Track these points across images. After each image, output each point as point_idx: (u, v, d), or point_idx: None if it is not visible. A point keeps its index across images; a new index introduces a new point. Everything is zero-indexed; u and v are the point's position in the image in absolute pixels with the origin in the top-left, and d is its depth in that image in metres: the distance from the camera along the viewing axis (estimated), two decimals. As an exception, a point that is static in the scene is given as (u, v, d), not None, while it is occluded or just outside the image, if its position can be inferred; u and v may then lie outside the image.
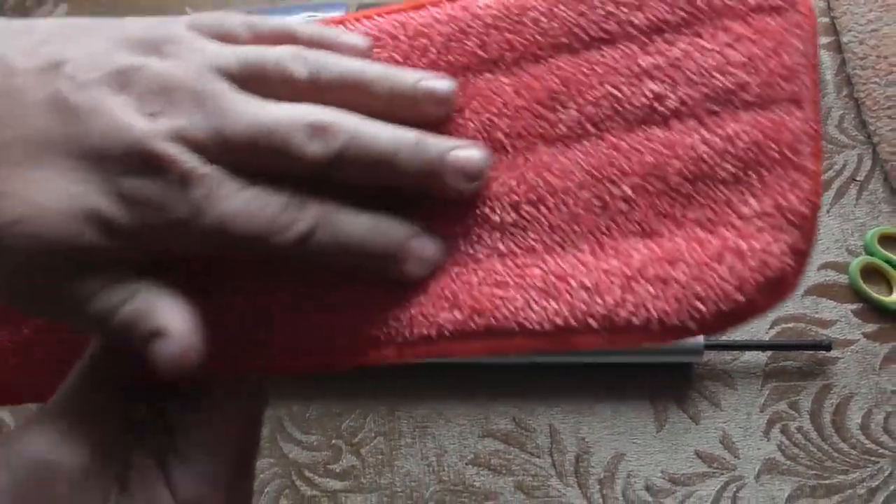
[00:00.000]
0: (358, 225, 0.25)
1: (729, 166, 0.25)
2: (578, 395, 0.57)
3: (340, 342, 0.27)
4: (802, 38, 0.25)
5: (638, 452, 0.56)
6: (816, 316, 0.58)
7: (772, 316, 0.58)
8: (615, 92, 0.27)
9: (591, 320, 0.25)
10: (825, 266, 0.59)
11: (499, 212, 0.27)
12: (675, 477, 0.56)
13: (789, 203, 0.24)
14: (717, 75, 0.25)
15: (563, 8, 0.27)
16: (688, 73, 0.26)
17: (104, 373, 0.25)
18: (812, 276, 0.59)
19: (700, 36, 0.26)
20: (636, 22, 0.27)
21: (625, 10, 0.27)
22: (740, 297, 0.24)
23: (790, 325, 0.58)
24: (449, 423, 0.57)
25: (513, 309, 0.26)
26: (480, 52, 0.28)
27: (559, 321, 0.25)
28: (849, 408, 0.57)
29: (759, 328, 0.58)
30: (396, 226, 0.26)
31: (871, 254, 0.59)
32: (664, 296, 0.24)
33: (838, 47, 0.62)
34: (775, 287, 0.24)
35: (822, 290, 0.58)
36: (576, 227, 0.26)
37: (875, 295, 0.58)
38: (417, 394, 0.57)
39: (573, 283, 0.25)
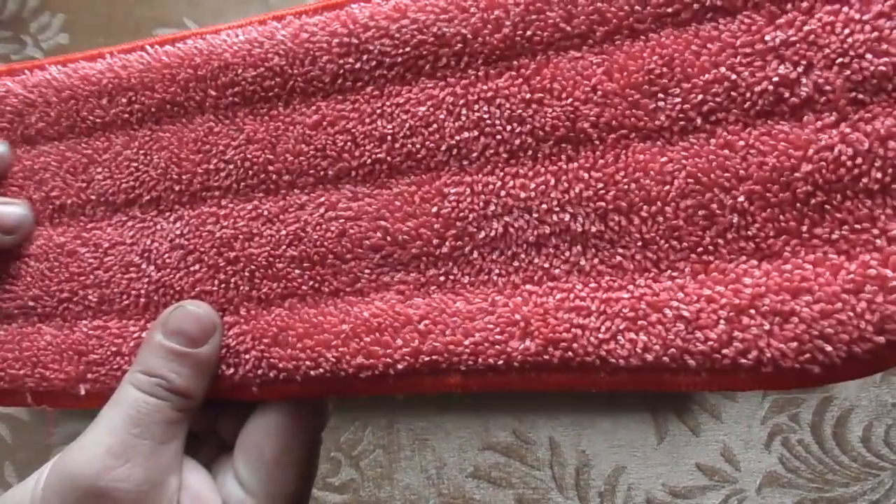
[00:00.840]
0: None
1: (877, 173, 0.20)
2: (579, 407, 0.57)
3: (397, 365, 0.24)
4: None
5: (638, 465, 0.56)
6: (817, 328, 0.58)
7: (772, 328, 0.58)
8: (732, 75, 0.21)
9: (688, 358, 0.21)
10: None
11: (581, 220, 0.23)
12: (676, 490, 0.55)
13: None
14: (868, 56, 0.20)
15: None
16: (827, 51, 0.20)
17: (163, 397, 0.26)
18: (812, 287, 0.58)
19: (848, 3, 0.20)
20: None
21: None
22: (880, 339, 0.19)
23: (791, 336, 0.58)
24: (449, 436, 0.56)
25: (595, 341, 0.22)
26: (564, 25, 0.23)
27: (650, 357, 0.21)
28: (849, 420, 0.57)
29: (759, 340, 0.58)
30: None
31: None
32: (782, 333, 0.20)
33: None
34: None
35: (822, 302, 0.58)
36: (675, 244, 0.22)
37: (876, 307, 0.58)
38: (417, 406, 0.57)
39: (669, 312, 0.21)
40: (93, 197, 0.30)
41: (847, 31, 0.20)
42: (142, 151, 0.29)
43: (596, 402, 0.57)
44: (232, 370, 0.27)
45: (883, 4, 0.20)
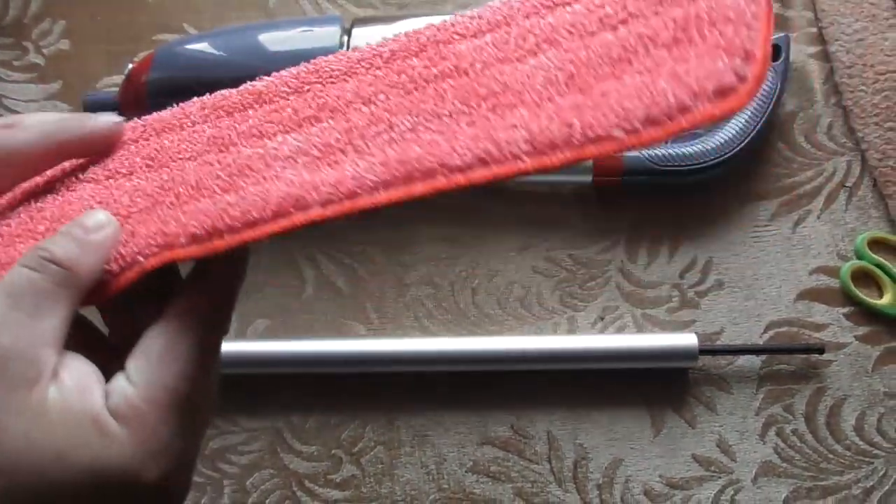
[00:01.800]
0: None
1: (666, 34, 0.27)
2: (576, 402, 0.57)
3: (265, 211, 0.29)
4: None
5: (636, 458, 0.57)
6: (809, 320, 0.59)
7: (765, 320, 0.59)
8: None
9: (521, 146, 0.27)
10: (817, 270, 0.60)
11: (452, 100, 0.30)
12: (674, 481, 0.56)
13: (733, 39, 0.25)
14: None
15: None
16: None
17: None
18: (804, 280, 0.59)
19: None
20: None
21: None
22: (673, 100, 0.24)
23: (783, 329, 0.59)
24: (448, 432, 0.57)
25: (438, 153, 0.28)
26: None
27: (482, 155, 0.27)
28: (843, 410, 0.57)
29: (752, 333, 0.58)
30: None
31: (861, 258, 0.59)
32: (592, 113, 0.26)
33: (826, 57, 0.63)
34: (718, 95, 0.24)
35: (814, 295, 0.59)
36: (513, 98, 0.29)
37: (866, 299, 0.59)
38: (416, 403, 0.57)
39: (503, 132, 0.27)
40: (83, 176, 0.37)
41: None
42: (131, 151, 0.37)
43: (592, 397, 0.57)
44: (123, 249, 0.31)
45: None
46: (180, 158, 0.35)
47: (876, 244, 0.60)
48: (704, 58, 0.26)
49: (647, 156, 0.58)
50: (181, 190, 0.33)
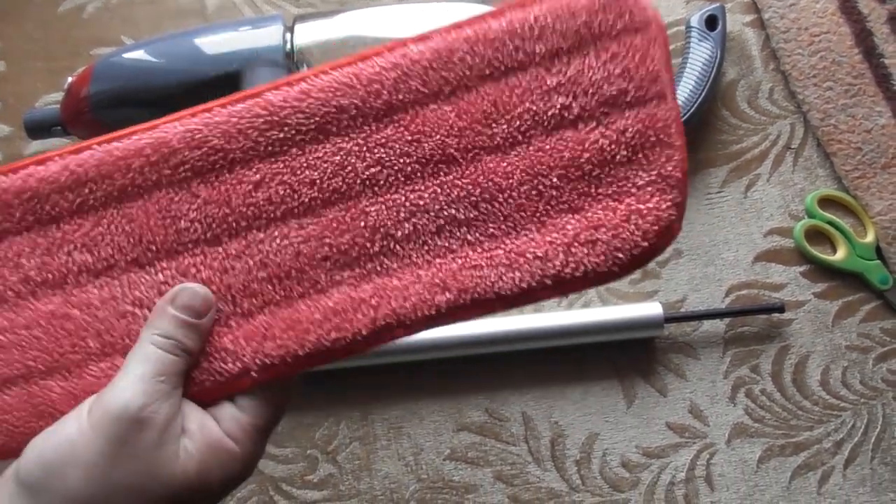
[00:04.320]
0: None
1: (624, 152, 0.33)
2: (547, 380, 0.58)
3: (361, 331, 0.34)
4: (660, 47, 0.33)
5: (611, 430, 0.57)
6: (767, 281, 0.60)
7: (725, 285, 0.60)
8: (532, 107, 0.34)
9: (546, 280, 0.33)
10: (771, 232, 0.61)
11: (461, 211, 0.34)
12: (650, 450, 0.57)
13: (668, 172, 0.32)
14: (605, 85, 0.33)
15: (481, 47, 0.34)
16: (583, 86, 0.33)
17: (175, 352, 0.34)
18: (759, 242, 0.60)
19: (587, 56, 0.34)
20: (538, 51, 0.34)
21: (529, 43, 0.34)
22: (645, 244, 0.32)
23: (743, 291, 0.60)
24: (423, 421, 0.57)
25: (489, 283, 0.33)
26: (423, 89, 0.34)
27: (524, 285, 0.33)
28: (807, 366, 0.59)
29: (714, 298, 0.59)
30: None
31: (812, 217, 0.61)
32: (594, 252, 0.33)
33: (761, 24, 0.65)
34: (666, 232, 0.32)
35: (770, 256, 0.60)
36: (523, 214, 0.34)
37: (821, 255, 0.60)
38: (389, 395, 0.57)
39: (529, 255, 0.33)
40: (73, 268, 0.36)
41: (590, 72, 0.33)
42: (112, 226, 0.36)
43: (563, 374, 0.58)
44: (231, 365, 0.34)
45: (606, 54, 0.33)
46: (188, 242, 0.36)
47: (825, 202, 0.61)
48: (653, 191, 0.33)
49: (596, 131, 0.58)
50: (238, 287, 0.35)
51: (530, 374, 0.58)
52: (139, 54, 0.56)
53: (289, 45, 0.54)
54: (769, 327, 0.59)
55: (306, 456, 0.56)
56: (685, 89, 0.60)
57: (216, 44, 0.55)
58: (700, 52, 0.61)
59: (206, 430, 0.33)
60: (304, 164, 0.35)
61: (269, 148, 0.35)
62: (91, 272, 0.36)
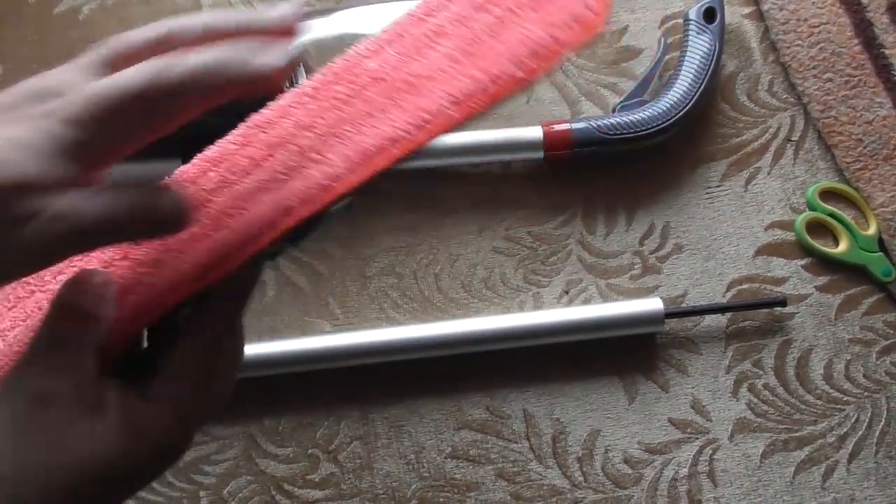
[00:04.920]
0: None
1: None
2: (548, 377, 0.57)
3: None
4: None
5: (613, 427, 0.57)
6: (769, 275, 0.59)
7: (726, 279, 0.59)
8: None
9: (441, 109, 0.34)
10: (772, 226, 0.60)
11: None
12: (652, 446, 0.56)
13: None
14: None
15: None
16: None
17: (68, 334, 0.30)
18: (760, 236, 0.60)
19: None
20: None
21: None
22: (548, 37, 0.34)
23: (745, 286, 0.59)
24: (423, 420, 0.56)
25: (383, 134, 0.35)
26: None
27: (418, 121, 0.35)
28: (810, 360, 0.58)
29: (715, 292, 0.59)
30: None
31: (813, 209, 0.60)
32: (491, 63, 0.34)
33: (760, 16, 0.64)
34: (582, 22, 0.34)
35: (771, 250, 0.60)
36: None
37: (822, 248, 0.59)
38: (389, 394, 0.57)
39: (429, 102, 0.35)
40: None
41: None
42: None
43: (564, 371, 0.57)
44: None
45: None
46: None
47: (826, 194, 0.61)
48: (563, 3, 0.35)
49: (595, 126, 0.58)
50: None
51: (531, 372, 0.57)
52: (135, 55, 0.56)
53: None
54: (771, 321, 0.59)
55: (307, 455, 0.56)
56: (684, 83, 0.60)
57: (211, 43, 0.55)
58: (698, 45, 0.60)
59: (126, 408, 0.31)
60: (266, 139, 0.37)
61: (246, 141, 0.38)
62: None
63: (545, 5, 0.36)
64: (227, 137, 0.40)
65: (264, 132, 0.39)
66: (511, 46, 0.35)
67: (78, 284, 0.31)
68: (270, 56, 0.33)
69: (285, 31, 0.35)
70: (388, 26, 0.41)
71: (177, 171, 0.39)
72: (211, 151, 0.40)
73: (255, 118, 0.40)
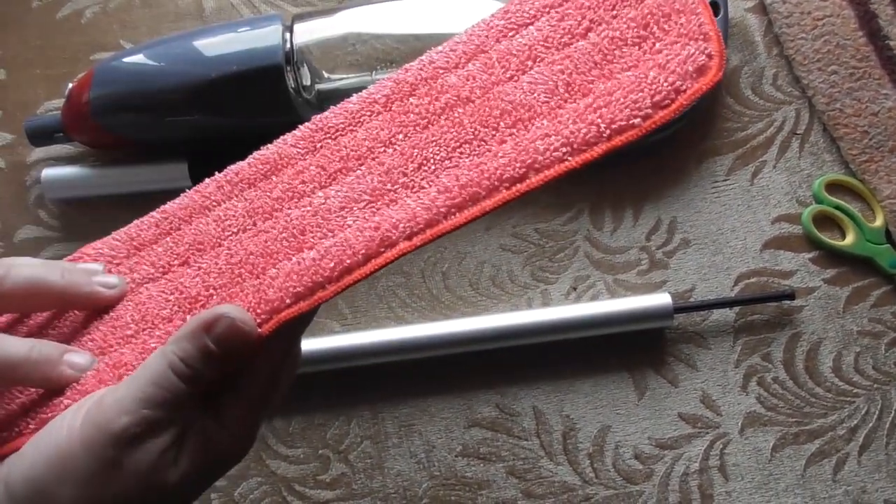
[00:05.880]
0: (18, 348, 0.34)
1: (633, 33, 0.34)
2: (558, 374, 0.57)
3: (356, 256, 0.34)
4: None
5: (623, 423, 0.57)
6: (777, 268, 0.59)
7: (734, 273, 0.59)
8: (543, 36, 0.36)
9: (552, 153, 0.33)
10: (779, 219, 0.60)
11: (472, 131, 0.35)
12: (663, 441, 0.56)
13: (690, 27, 0.33)
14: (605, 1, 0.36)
15: (489, 21, 0.39)
16: (584, 8, 0.36)
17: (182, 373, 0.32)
18: (767, 230, 0.60)
19: None
20: (538, 5, 0.38)
21: (529, 4, 0.38)
22: (670, 87, 0.33)
23: (753, 279, 0.59)
24: (434, 418, 0.56)
25: (493, 172, 0.34)
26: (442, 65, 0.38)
27: (529, 161, 0.33)
28: (819, 353, 0.58)
29: (723, 286, 0.59)
30: (50, 346, 0.35)
31: (820, 202, 0.60)
32: (609, 111, 0.33)
33: (763, 9, 0.64)
34: (700, 72, 0.33)
35: (778, 243, 0.60)
36: (529, 113, 0.35)
37: (830, 241, 0.59)
38: (399, 393, 0.57)
39: (536, 139, 0.34)
40: (138, 277, 0.39)
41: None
42: (173, 243, 0.39)
43: (573, 367, 0.57)
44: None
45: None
46: (229, 235, 0.38)
47: (833, 187, 0.61)
48: (674, 46, 0.33)
49: (600, 122, 0.58)
50: (253, 260, 0.36)
51: (540, 369, 0.57)
52: (139, 58, 0.56)
53: (288, 45, 0.54)
54: (779, 315, 0.59)
55: (318, 456, 0.56)
56: (688, 77, 0.59)
57: (215, 45, 0.55)
58: (702, 40, 0.60)
59: (204, 435, 0.32)
60: (338, 146, 0.38)
61: (312, 147, 0.39)
62: (151, 281, 0.39)
63: (652, 42, 0.34)
64: (286, 138, 0.40)
65: (332, 138, 0.39)
66: (627, 89, 0.33)
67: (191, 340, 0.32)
68: (78, 359, 0.36)
69: (104, 300, 0.37)
70: (461, 36, 0.38)
71: (231, 168, 0.40)
72: (268, 151, 0.40)
73: (319, 120, 0.40)
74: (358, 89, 0.40)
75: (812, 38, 0.62)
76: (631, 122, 0.32)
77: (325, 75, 0.56)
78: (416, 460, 0.56)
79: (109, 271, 0.40)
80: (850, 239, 0.59)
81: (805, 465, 0.56)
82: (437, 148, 0.35)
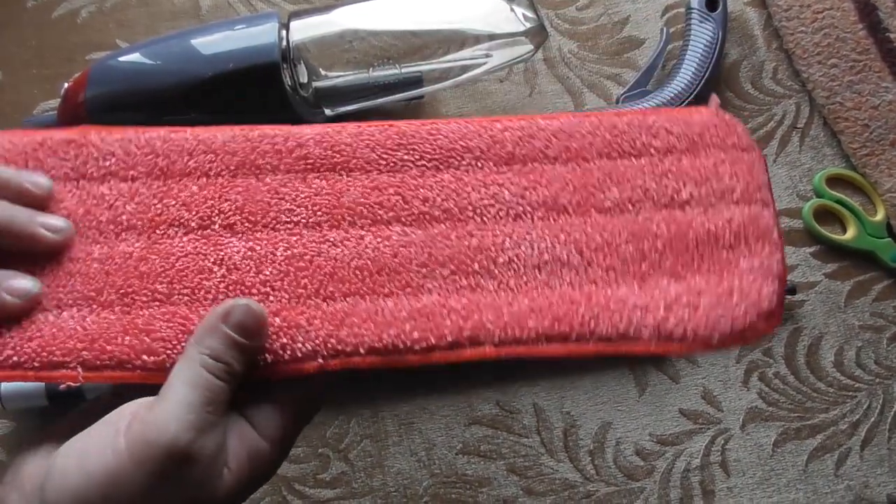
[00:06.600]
0: None
1: (729, 237, 0.35)
2: (558, 371, 0.57)
3: (446, 338, 0.34)
4: (763, 168, 0.37)
5: (624, 419, 0.56)
6: (777, 263, 0.59)
7: (735, 268, 0.59)
8: (644, 184, 0.37)
9: (644, 330, 0.33)
10: (779, 213, 0.60)
11: (567, 254, 0.35)
12: (664, 438, 0.56)
13: (771, 264, 0.34)
14: (715, 181, 0.36)
15: (602, 131, 0.38)
16: (694, 178, 0.37)
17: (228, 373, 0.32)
18: (768, 224, 0.60)
19: (699, 157, 0.37)
20: (655, 145, 0.37)
21: (646, 137, 0.37)
22: (748, 320, 0.33)
23: (753, 274, 0.59)
24: (434, 416, 0.56)
25: (586, 319, 0.34)
26: (545, 151, 0.38)
27: (622, 328, 0.33)
28: (820, 347, 0.58)
29: (724, 282, 0.59)
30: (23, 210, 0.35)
31: (821, 196, 0.60)
32: (696, 315, 0.33)
33: (762, 3, 0.64)
34: (769, 317, 0.33)
35: (779, 237, 0.60)
36: (625, 269, 0.35)
37: (830, 235, 0.59)
38: (399, 391, 0.57)
39: (630, 303, 0.34)
40: (165, 219, 0.36)
41: (701, 166, 0.37)
42: (217, 193, 0.37)
43: (574, 363, 0.57)
44: (301, 344, 0.34)
45: (717, 158, 0.37)
46: (287, 223, 0.36)
47: (834, 181, 0.60)
48: (755, 275, 0.34)
49: (599, 118, 0.58)
50: (318, 275, 0.35)
51: (540, 366, 0.57)
52: (135, 57, 0.56)
53: (284, 43, 0.54)
54: (780, 310, 0.58)
55: (318, 455, 0.56)
56: (687, 72, 0.59)
57: (212, 43, 0.55)
58: (701, 34, 0.60)
59: (245, 442, 0.33)
60: (422, 184, 0.37)
61: (392, 164, 0.37)
62: (182, 227, 0.36)
63: (739, 255, 0.35)
64: (360, 129, 0.38)
65: (415, 165, 0.38)
66: (712, 300, 0.33)
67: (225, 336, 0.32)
68: (54, 221, 0.36)
69: (42, 246, 0.36)
70: (560, 120, 0.38)
71: (288, 132, 0.39)
72: (340, 135, 0.38)
73: (403, 127, 0.38)
74: (355, 87, 0.40)
75: (812, 31, 0.62)
76: (710, 336, 0.33)
77: (323, 73, 0.56)
78: (417, 458, 0.56)
79: (121, 190, 0.37)
80: (851, 233, 0.59)
81: (807, 460, 0.56)
82: (529, 250, 0.35)
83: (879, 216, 0.59)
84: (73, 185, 0.38)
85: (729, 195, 0.36)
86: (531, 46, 0.56)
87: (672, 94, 0.58)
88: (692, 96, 0.58)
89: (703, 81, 0.59)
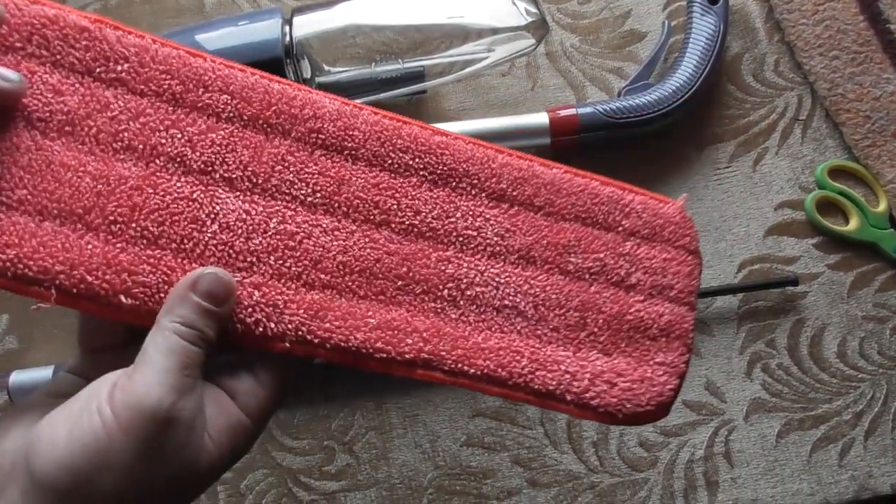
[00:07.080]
0: None
1: (655, 331, 0.39)
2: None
3: (404, 355, 0.36)
4: (699, 273, 0.41)
5: (627, 410, 0.57)
6: (780, 254, 0.59)
7: (737, 260, 0.59)
8: (604, 259, 0.40)
9: (568, 394, 0.37)
10: (782, 205, 0.60)
11: (525, 305, 0.38)
12: (667, 429, 0.56)
13: (678, 363, 0.39)
14: (660, 275, 0.40)
15: (585, 197, 0.41)
16: (645, 266, 0.40)
17: (198, 340, 0.33)
18: (770, 216, 0.60)
19: (655, 248, 0.41)
20: (624, 224, 0.41)
21: (619, 215, 0.41)
22: (648, 408, 0.37)
23: (756, 266, 0.59)
24: (438, 409, 0.57)
25: (524, 372, 0.37)
26: (533, 198, 0.40)
27: (551, 388, 0.37)
28: (823, 338, 0.58)
29: (726, 273, 0.59)
30: None
31: (823, 188, 0.60)
32: (611, 393, 0.37)
33: (764, -5, 0.64)
34: (663, 408, 0.38)
35: (781, 229, 0.60)
36: (566, 334, 0.38)
37: (833, 226, 0.59)
38: (402, 384, 0.57)
39: (562, 367, 0.37)
40: (168, 151, 0.35)
41: (653, 258, 0.41)
42: (225, 140, 0.36)
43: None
44: (273, 325, 0.34)
45: (668, 254, 0.41)
46: (287, 195, 0.37)
47: (836, 172, 0.61)
48: (665, 371, 0.39)
49: (602, 111, 0.58)
50: (314, 257, 0.36)
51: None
52: (140, 53, 0.56)
53: (287, 38, 0.54)
54: (783, 301, 0.58)
55: (323, 447, 0.56)
56: (689, 65, 0.59)
57: (215, 40, 0.55)
58: (703, 27, 0.60)
59: (226, 415, 0.34)
60: (418, 196, 0.38)
61: (397, 166, 0.38)
62: (183, 166, 0.35)
63: (656, 354, 0.39)
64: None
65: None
66: (628, 382, 0.38)
67: (213, 296, 0.34)
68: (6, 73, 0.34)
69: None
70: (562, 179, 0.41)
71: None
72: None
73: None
74: (358, 81, 0.41)
75: (813, 23, 0.62)
76: (620, 408, 0.37)
77: (326, 68, 0.56)
78: (421, 450, 0.56)
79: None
80: (853, 224, 0.59)
81: (811, 450, 0.56)
82: (494, 291, 0.38)
83: (882, 207, 0.59)
84: (76, 80, 0.35)
85: (667, 291, 0.40)
86: (533, 40, 0.57)
87: (674, 87, 0.59)
88: (694, 89, 0.59)
89: (705, 74, 0.59)
